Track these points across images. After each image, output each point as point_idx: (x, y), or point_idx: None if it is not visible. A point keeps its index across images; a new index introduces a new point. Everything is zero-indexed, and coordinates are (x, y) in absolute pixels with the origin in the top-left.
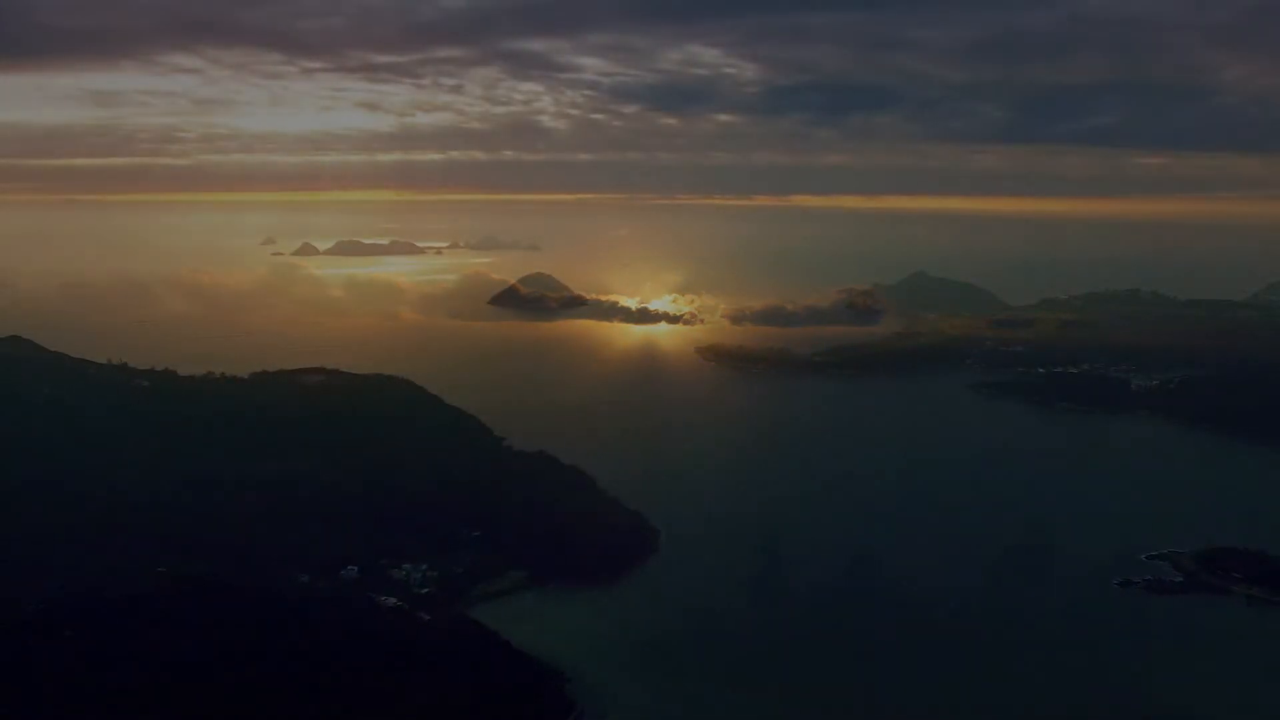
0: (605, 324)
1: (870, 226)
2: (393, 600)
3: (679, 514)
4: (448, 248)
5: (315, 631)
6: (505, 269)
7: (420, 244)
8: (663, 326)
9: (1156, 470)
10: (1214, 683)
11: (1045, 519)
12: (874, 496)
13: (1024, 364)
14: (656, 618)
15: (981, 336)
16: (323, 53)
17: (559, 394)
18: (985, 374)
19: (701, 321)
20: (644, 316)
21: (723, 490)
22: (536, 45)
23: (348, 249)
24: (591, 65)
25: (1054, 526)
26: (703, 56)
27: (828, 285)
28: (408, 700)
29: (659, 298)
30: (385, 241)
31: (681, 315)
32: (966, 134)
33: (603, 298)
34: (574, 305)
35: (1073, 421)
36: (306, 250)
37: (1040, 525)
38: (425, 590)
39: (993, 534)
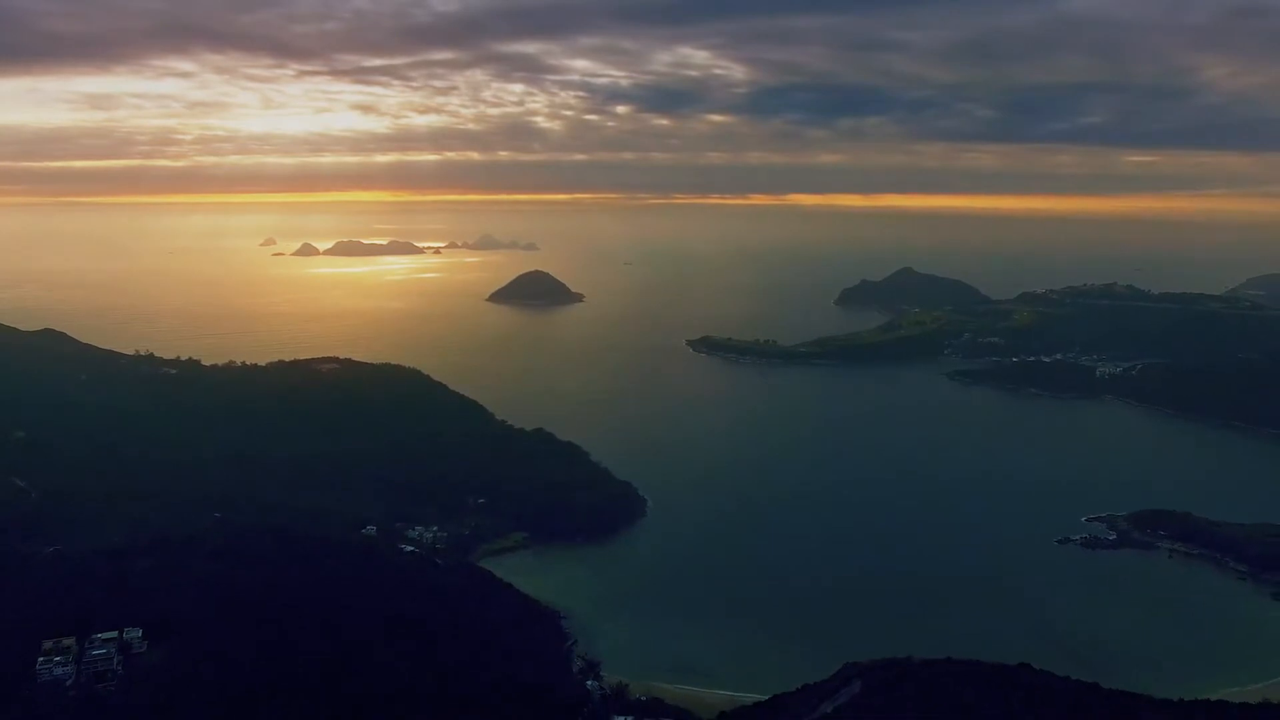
0: (596, 317)
1: (864, 224)
2: (411, 548)
3: (666, 485)
4: (445, 247)
5: (350, 563)
6: (503, 267)
7: (418, 244)
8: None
9: (1108, 445)
10: (1119, 617)
11: (998, 487)
12: (844, 469)
13: (999, 354)
14: (641, 571)
15: (960, 329)
16: (315, 56)
17: (556, 381)
18: (961, 363)
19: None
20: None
21: (707, 466)
22: (529, 48)
23: (347, 249)
24: (583, 67)
25: (1005, 493)
26: (692, 58)
27: (821, 282)
28: (428, 623)
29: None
30: (384, 241)
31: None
32: (957, 133)
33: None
34: (570, 301)
35: (1039, 405)
36: (307, 250)
37: (992, 492)
38: (437, 547)
39: (948, 499)
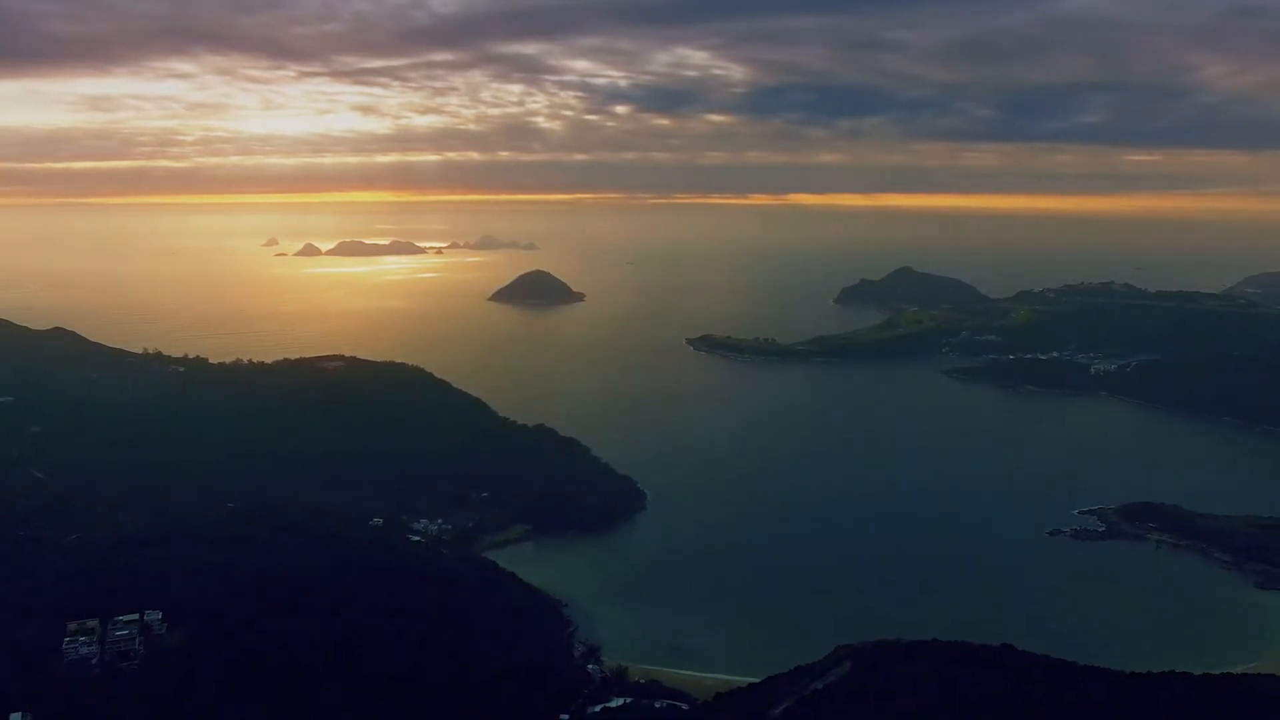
0: (597, 316)
1: (864, 224)
2: (417, 539)
3: (665, 480)
4: (447, 247)
5: (358, 552)
6: (504, 267)
7: (420, 244)
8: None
9: (1101, 440)
10: (1106, 604)
11: (992, 481)
12: (841, 464)
13: (995, 351)
14: (640, 561)
15: (958, 327)
16: (315, 58)
17: (557, 378)
18: (958, 360)
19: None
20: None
21: (705, 461)
22: (528, 49)
23: (349, 249)
24: (582, 68)
25: (999, 487)
26: (691, 59)
27: (821, 281)
28: (434, 609)
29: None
30: (385, 241)
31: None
32: (956, 133)
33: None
34: (571, 301)
35: (1034, 402)
36: (309, 251)
37: (986, 486)
38: (442, 539)
39: (943, 493)
